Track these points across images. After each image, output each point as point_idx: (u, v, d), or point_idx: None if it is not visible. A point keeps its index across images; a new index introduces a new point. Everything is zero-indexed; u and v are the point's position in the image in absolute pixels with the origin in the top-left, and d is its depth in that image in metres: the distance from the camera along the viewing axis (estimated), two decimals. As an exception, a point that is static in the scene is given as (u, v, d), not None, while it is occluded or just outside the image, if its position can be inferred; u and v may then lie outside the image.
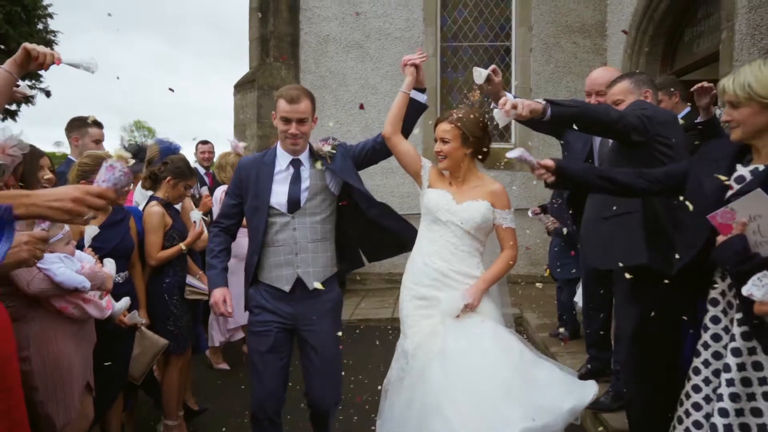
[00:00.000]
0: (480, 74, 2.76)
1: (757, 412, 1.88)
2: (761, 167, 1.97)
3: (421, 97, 2.84)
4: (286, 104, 2.67)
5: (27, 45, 2.16)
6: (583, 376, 3.73)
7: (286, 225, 2.73)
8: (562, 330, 4.81)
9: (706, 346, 2.06)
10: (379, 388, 3.94)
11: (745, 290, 1.75)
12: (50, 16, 15.66)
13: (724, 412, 1.90)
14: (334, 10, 8.07)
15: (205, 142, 6.41)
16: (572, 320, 4.82)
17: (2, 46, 14.61)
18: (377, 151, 2.86)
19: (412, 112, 2.82)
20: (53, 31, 15.63)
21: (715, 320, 2.05)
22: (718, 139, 2.21)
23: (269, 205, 2.72)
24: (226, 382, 4.64)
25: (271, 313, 2.74)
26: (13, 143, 2.32)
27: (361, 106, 7.48)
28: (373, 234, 2.88)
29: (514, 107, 2.42)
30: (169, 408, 3.45)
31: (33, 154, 2.50)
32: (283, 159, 2.78)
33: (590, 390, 2.39)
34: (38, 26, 15.31)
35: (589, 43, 7.88)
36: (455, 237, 2.67)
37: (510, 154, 2.43)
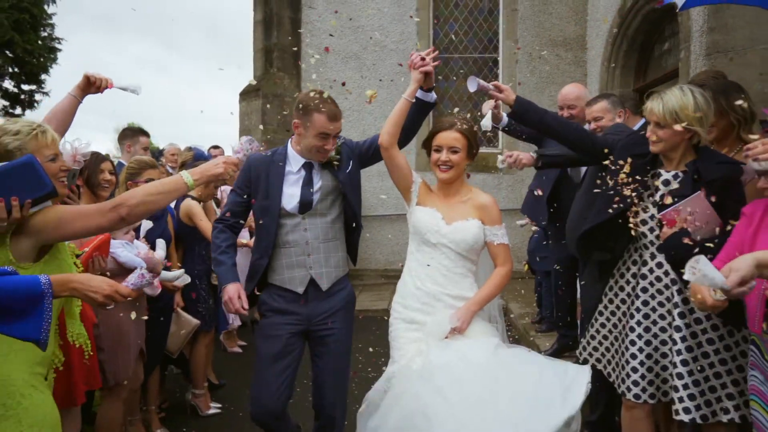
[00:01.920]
0: (472, 84, 2.70)
1: (705, 355, 2.47)
2: (680, 173, 2.54)
3: (430, 97, 2.69)
4: (328, 122, 2.59)
5: (87, 72, 2.65)
6: (555, 352, 4.31)
7: (297, 226, 2.70)
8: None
9: (638, 310, 2.62)
10: (373, 375, 4.54)
11: (686, 277, 2.04)
12: (52, 26, 16.11)
13: (684, 362, 2.46)
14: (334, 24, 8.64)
15: (216, 147, 6.95)
16: (551, 314, 5.39)
17: (8, 53, 15.08)
18: (379, 151, 2.78)
19: (420, 112, 2.71)
20: (58, 38, 16.11)
21: (645, 290, 2.62)
22: (640, 136, 2.74)
23: (280, 207, 2.69)
24: (240, 362, 5.19)
25: (283, 315, 2.70)
26: (82, 151, 2.85)
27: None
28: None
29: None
30: (197, 378, 3.99)
31: (96, 159, 3.03)
32: (294, 161, 2.74)
33: (580, 397, 2.33)
34: (43, 33, 15.79)
35: (571, 55, 8.48)
36: (447, 259, 2.58)
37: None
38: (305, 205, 2.69)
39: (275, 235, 2.69)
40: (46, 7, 15.59)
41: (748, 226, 2.17)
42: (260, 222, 2.74)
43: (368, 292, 7.86)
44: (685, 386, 2.46)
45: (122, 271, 2.84)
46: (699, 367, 2.47)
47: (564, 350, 4.30)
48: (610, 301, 2.80)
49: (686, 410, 2.44)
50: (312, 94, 2.67)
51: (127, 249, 2.85)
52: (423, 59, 2.57)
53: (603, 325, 2.84)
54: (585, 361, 2.88)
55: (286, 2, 8.48)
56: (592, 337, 2.89)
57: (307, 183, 2.71)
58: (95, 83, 2.66)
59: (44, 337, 1.73)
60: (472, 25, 8.80)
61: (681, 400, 2.46)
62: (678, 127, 2.42)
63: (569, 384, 2.36)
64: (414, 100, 2.61)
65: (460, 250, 2.58)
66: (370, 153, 2.82)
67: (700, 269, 1.70)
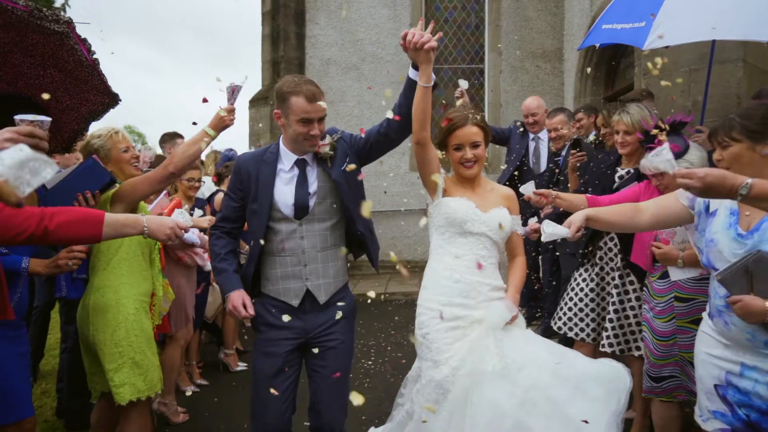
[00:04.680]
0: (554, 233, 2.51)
1: (632, 308, 3.35)
2: (631, 170, 3.43)
3: (432, 82, 2.39)
4: (307, 103, 2.38)
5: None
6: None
7: (293, 233, 2.50)
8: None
9: (592, 279, 3.49)
10: (373, 343, 5.40)
11: (543, 239, 2.52)
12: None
13: (616, 311, 3.35)
14: (335, 38, 9.50)
15: (230, 150, 7.77)
16: (527, 298, 6.21)
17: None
18: (381, 143, 2.58)
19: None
20: (70, 46, 16.86)
21: (601, 258, 3.50)
22: (603, 154, 3.64)
23: (272, 209, 2.50)
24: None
25: (280, 330, 2.50)
26: (149, 154, 3.70)
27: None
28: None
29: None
30: (228, 340, 4.83)
31: (159, 160, 3.87)
32: (287, 158, 2.54)
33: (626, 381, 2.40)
34: (56, 41, 16.52)
35: (549, 66, 9.36)
36: (485, 249, 2.51)
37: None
38: (301, 209, 2.50)
39: (267, 241, 2.52)
40: (58, 16, 16.35)
41: (644, 193, 3.08)
42: (251, 227, 2.57)
43: (366, 281, 8.69)
44: (613, 328, 3.34)
45: (184, 245, 3.68)
46: (625, 315, 3.35)
47: (531, 320, 5.18)
48: (580, 275, 3.62)
49: (610, 345, 3.33)
50: (288, 79, 2.48)
51: (185, 229, 3.70)
52: (422, 35, 2.20)
53: (571, 299, 3.66)
54: (559, 329, 3.68)
55: (292, 18, 9.33)
56: (560, 308, 3.72)
57: (302, 182, 2.52)
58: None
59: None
60: (460, 38, 9.68)
61: (608, 338, 3.35)
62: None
63: (617, 374, 2.42)
64: (432, 85, 2.32)
65: (498, 239, 2.53)
66: (367, 149, 2.60)
67: (545, 229, 2.44)
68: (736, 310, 2.08)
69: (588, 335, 3.49)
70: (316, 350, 2.53)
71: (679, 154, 2.79)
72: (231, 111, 2.69)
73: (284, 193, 2.50)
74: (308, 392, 2.60)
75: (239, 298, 2.44)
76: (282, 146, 2.57)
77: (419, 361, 2.55)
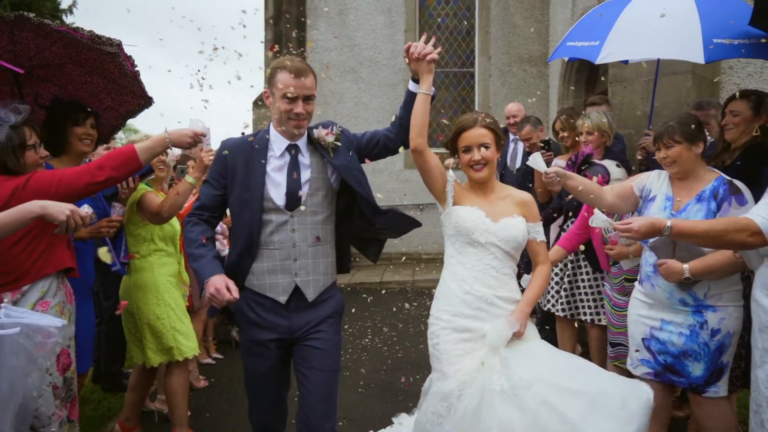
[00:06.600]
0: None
1: (582, 281, 3.94)
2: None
3: (431, 90, 2.40)
4: (291, 78, 2.29)
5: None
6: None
7: (284, 225, 2.38)
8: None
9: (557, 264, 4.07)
10: (369, 324, 5.97)
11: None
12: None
13: (570, 283, 3.96)
14: (334, 42, 10.05)
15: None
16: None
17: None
18: (388, 148, 2.54)
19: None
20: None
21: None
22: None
23: (264, 198, 2.36)
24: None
25: (266, 330, 2.40)
26: (177, 154, 4.24)
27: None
28: (373, 236, 2.68)
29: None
30: (240, 320, 5.40)
31: (185, 158, 4.42)
32: (277, 144, 2.42)
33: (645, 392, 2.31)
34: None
35: (536, 70, 9.94)
36: (496, 260, 2.44)
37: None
38: (293, 198, 2.39)
39: (259, 233, 2.37)
40: (64, 17, 16.78)
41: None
42: (240, 218, 2.40)
43: (363, 271, 9.28)
44: (566, 295, 3.98)
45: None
46: (577, 285, 3.97)
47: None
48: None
49: (562, 309, 3.97)
50: (279, 58, 2.42)
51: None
52: (424, 47, 2.31)
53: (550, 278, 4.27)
54: (548, 310, 4.23)
55: (294, 24, 9.87)
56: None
57: (293, 170, 2.41)
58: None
59: None
60: (452, 44, 10.25)
61: (561, 303, 3.98)
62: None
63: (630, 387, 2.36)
64: (432, 93, 2.36)
65: (509, 249, 2.46)
66: (372, 147, 2.54)
67: (533, 158, 2.83)
68: (661, 271, 2.68)
69: (554, 307, 4.09)
70: (302, 351, 2.43)
71: (608, 180, 3.42)
72: (209, 152, 2.83)
73: (275, 182, 2.39)
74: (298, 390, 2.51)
75: (222, 281, 2.22)
76: (272, 130, 2.46)
77: (432, 373, 2.52)
